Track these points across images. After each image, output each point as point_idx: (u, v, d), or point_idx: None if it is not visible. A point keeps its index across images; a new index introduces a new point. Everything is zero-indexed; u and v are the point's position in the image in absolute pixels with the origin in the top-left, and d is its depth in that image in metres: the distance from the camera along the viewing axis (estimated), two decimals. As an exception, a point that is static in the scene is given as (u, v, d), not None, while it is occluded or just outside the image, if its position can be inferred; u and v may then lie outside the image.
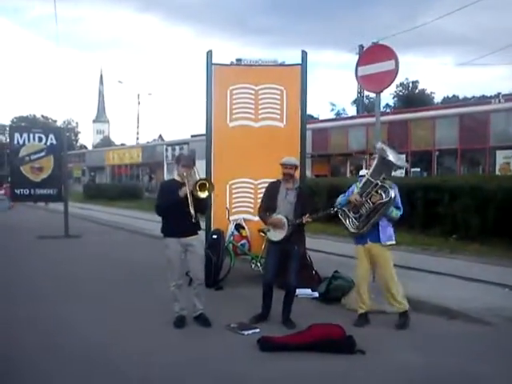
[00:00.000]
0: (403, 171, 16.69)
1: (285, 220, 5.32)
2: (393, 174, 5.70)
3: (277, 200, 5.43)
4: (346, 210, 5.47)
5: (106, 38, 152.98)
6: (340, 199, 5.63)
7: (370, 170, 5.41)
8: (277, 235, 5.40)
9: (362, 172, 8.85)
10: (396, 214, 5.30)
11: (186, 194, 5.15)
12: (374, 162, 5.39)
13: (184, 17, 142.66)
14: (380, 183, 5.24)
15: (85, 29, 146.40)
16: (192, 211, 5.12)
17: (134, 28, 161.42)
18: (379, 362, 4.38)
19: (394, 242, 5.41)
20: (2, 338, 5.00)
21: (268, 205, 5.52)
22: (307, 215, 5.29)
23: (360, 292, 5.56)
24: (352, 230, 5.43)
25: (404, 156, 5.54)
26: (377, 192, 5.24)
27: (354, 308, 5.96)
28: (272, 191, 5.55)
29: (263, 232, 5.57)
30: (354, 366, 4.32)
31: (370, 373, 4.18)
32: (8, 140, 13.94)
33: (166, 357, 4.47)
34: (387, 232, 5.35)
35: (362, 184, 5.40)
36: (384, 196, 5.18)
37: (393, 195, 5.17)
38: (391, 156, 5.24)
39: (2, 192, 26.19)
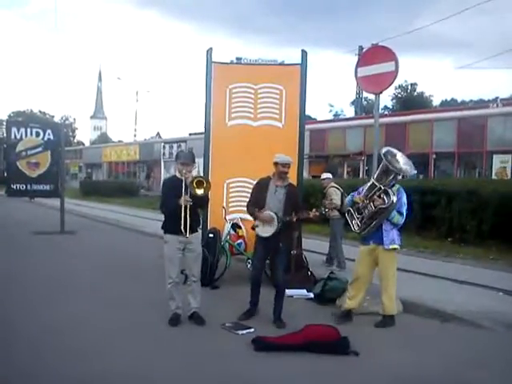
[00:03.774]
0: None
1: (275, 216, 5.33)
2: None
3: (266, 196, 5.45)
4: (352, 211, 5.52)
5: (106, 34, 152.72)
6: (347, 198, 5.73)
7: (376, 174, 5.41)
8: (266, 231, 5.42)
9: (324, 175, 8.83)
10: (397, 219, 5.27)
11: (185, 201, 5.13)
12: (380, 167, 5.35)
13: (185, 14, 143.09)
14: (383, 188, 5.23)
15: (84, 24, 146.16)
16: (184, 224, 5.09)
17: (133, 24, 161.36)
18: (372, 363, 4.38)
19: (396, 246, 5.37)
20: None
21: (257, 200, 5.54)
22: (298, 213, 5.32)
23: (349, 288, 5.65)
24: (355, 231, 5.51)
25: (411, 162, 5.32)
26: (379, 196, 5.24)
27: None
28: (262, 187, 5.56)
29: (253, 227, 5.64)
30: (347, 367, 4.33)
31: (363, 374, 4.18)
32: (4, 135, 13.67)
33: (159, 355, 4.46)
34: (390, 236, 5.34)
35: (367, 187, 5.41)
36: (386, 201, 5.18)
37: (394, 200, 5.17)
38: (397, 164, 5.18)
39: None
